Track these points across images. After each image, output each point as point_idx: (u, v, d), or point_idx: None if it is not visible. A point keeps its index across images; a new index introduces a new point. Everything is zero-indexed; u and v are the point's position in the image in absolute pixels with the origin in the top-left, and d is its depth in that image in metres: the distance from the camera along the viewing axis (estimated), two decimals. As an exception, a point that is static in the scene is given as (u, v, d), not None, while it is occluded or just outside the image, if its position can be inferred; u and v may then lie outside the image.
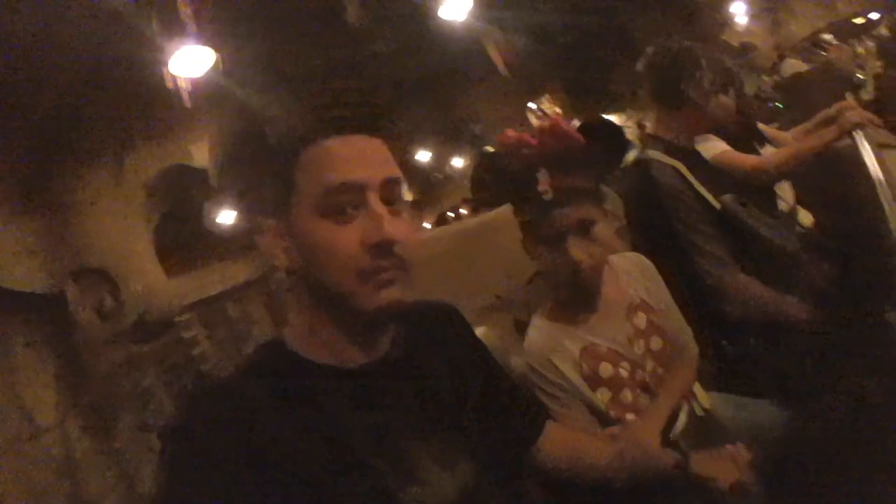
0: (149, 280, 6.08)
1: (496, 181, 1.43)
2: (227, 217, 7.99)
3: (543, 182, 1.32)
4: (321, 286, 0.93)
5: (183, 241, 7.23)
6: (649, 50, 2.11)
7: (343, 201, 0.91)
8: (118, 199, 5.84)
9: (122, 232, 5.88)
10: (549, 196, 1.31)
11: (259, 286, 8.91)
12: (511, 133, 1.36)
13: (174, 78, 4.34)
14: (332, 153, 0.93)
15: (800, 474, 1.18)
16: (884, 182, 1.62)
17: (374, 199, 0.92)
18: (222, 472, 0.79)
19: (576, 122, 1.45)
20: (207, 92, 4.60)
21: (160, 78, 4.40)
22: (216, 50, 4.30)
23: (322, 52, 6.00)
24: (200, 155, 6.34)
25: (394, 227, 0.91)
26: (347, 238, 0.90)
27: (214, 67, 4.31)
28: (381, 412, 0.94)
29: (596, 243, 1.36)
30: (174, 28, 4.06)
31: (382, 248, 0.90)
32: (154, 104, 5.30)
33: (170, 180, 6.30)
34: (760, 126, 2.55)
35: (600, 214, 1.39)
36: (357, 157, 0.93)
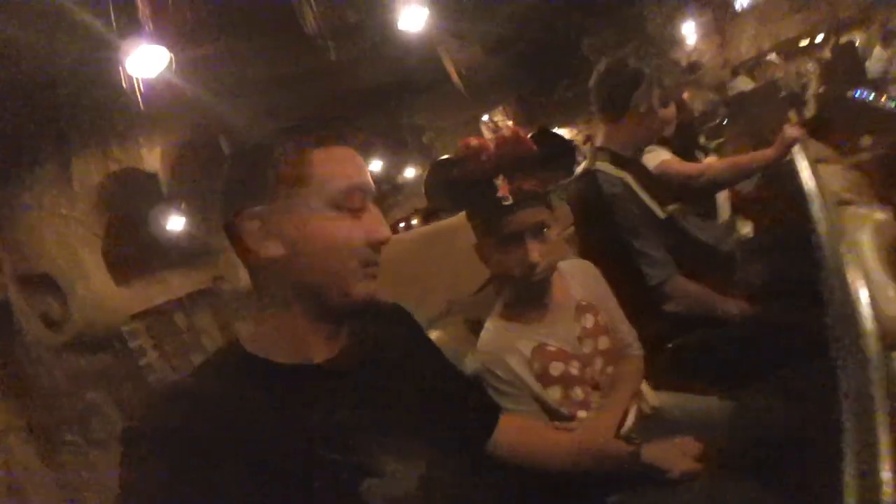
0: (96, 287, 5.91)
1: (452, 187, 1.47)
2: (176, 224, 7.84)
3: (503, 188, 1.37)
4: (305, 275, 0.98)
5: (132, 247, 7.06)
6: (600, 65, 2.19)
7: (357, 200, 1.01)
8: (64, 203, 5.69)
9: (68, 237, 5.72)
10: (508, 202, 1.36)
11: (208, 296, 8.74)
12: (472, 140, 1.42)
13: (130, 78, 4.25)
14: (346, 157, 1.03)
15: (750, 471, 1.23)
16: (817, 194, 1.71)
17: (371, 202, 1.05)
18: (222, 472, 0.82)
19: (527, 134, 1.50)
20: (161, 92, 4.52)
21: (112, 78, 4.32)
22: (174, 51, 4.23)
23: (278, 59, 5.97)
24: (152, 159, 6.22)
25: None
26: (356, 232, 1.01)
27: (168, 67, 4.24)
28: (342, 409, 0.97)
29: (549, 245, 1.42)
30: (130, 27, 4.00)
31: (380, 246, 1.04)
32: (104, 105, 5.19)
33: (119, 185, 6.16)
34: (703, 141, 2.67)
35: (552, 219, 1.45)
36: (360, 164, 1.05)
